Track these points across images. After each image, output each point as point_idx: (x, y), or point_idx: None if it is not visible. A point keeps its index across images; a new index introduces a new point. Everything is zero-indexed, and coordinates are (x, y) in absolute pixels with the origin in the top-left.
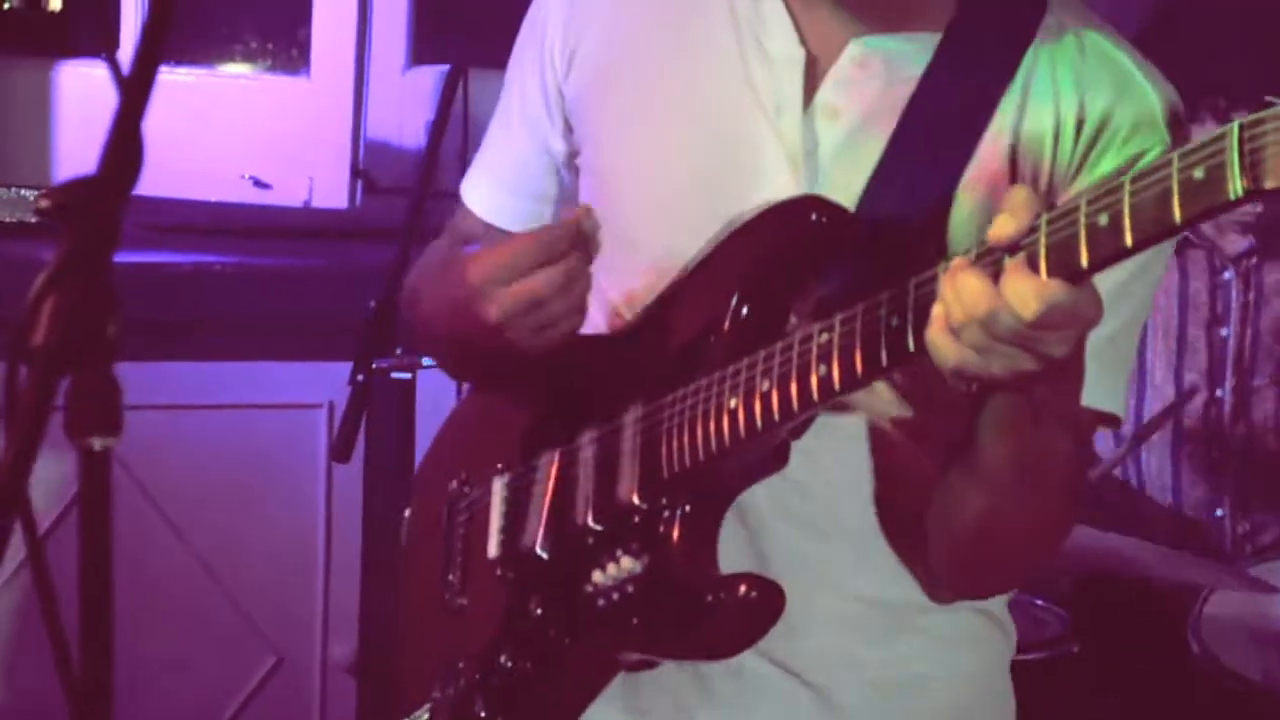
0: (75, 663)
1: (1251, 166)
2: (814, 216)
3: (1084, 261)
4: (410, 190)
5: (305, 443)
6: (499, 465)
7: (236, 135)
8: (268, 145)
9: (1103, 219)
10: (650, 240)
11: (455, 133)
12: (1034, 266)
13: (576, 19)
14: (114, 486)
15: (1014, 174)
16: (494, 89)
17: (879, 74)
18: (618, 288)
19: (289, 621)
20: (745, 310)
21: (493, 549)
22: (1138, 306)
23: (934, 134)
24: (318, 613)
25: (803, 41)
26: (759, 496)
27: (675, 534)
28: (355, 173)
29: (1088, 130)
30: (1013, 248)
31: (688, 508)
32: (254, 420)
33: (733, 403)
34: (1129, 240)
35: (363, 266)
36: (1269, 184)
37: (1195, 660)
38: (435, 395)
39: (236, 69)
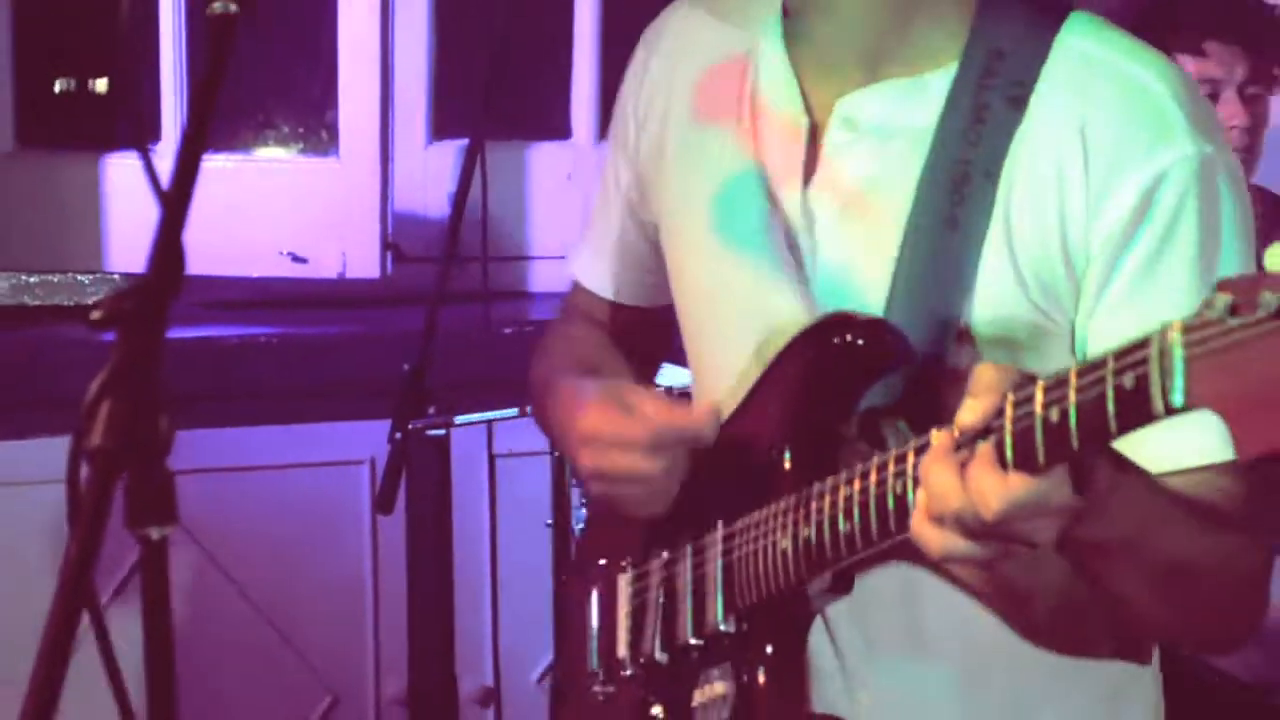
0: None
1: (1172, 377)
2: (837, 339)
3: (1040, 458)
4: (436, 259)
5: (350, 497)
6: (623, 560)
7: (273, 215)
8: (303, 223)
9: (1054, 414)
10: (692, 343)
11: (475, 202)
12: (1000, 455)
13: (645, 90)
14: (174, 543)
15: (1034, 216)
16: (509, 159)
17: (869, 133)
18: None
19: (343, 662)
20: (792, 451)
21: (621, 649)
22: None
23: (949, 199)
24: (369, 653)
25: (807, 108)
26: (839, 615)
27: (757, 658)
28: (385, 244)
29: (1095, 173)
30: (983, 433)
31: (768, 632)
32: (302, 478)
33: (783, 546)
34: (1075, 445)
35: (396, 331)
36: (1182, 400)
37: (1179, 657)
38: (470, 449)
39: (271, 153)
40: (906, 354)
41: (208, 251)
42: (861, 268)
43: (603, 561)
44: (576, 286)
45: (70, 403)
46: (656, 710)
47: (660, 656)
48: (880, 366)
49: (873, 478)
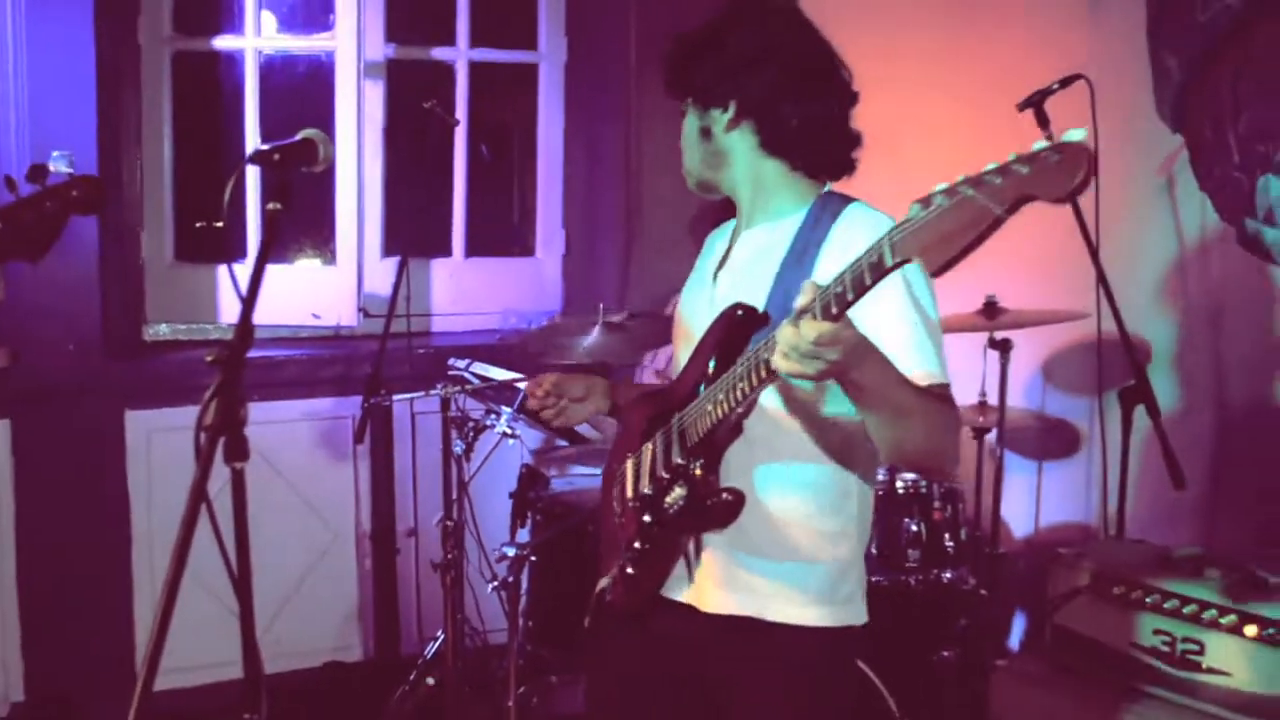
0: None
1: (895, 247)
2: (739, 313)
3: (834, 310)
4: (384, 316)
5: (343, 434)
6: (629, 452)
7: (303, 295)
8: (318, 299)
9: (838, 287)
10: (679, 346)
11: (405, 288)
12: (814, 315)
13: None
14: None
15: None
16: (420, 266)
17: (751, 246)
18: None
19: (340, 514)
20: (714, 363)
21: (629, 494)
22: (915, 319)
23: (792, 270)
24: (352, 512)
25: (731, 239)
26: (733, 450)
27: (695, 472)
28: (359, 309)
29: (851, 253)
30: (805, 310)
31: (701, 460)
32: (321, 425)
33: (709, 409)
34: (850, 297)
35: (364, 353)
36: (901, 256)
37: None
38: (402, 415)
39: (302, 262)
40: (765, 318)
41: (272, 312)
42: (744, 296)
43: (614, 463)
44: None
45: (200, 390)
46: (647, 517)
47: (646, 489)
48: (748, 325)
49: (752, 358)
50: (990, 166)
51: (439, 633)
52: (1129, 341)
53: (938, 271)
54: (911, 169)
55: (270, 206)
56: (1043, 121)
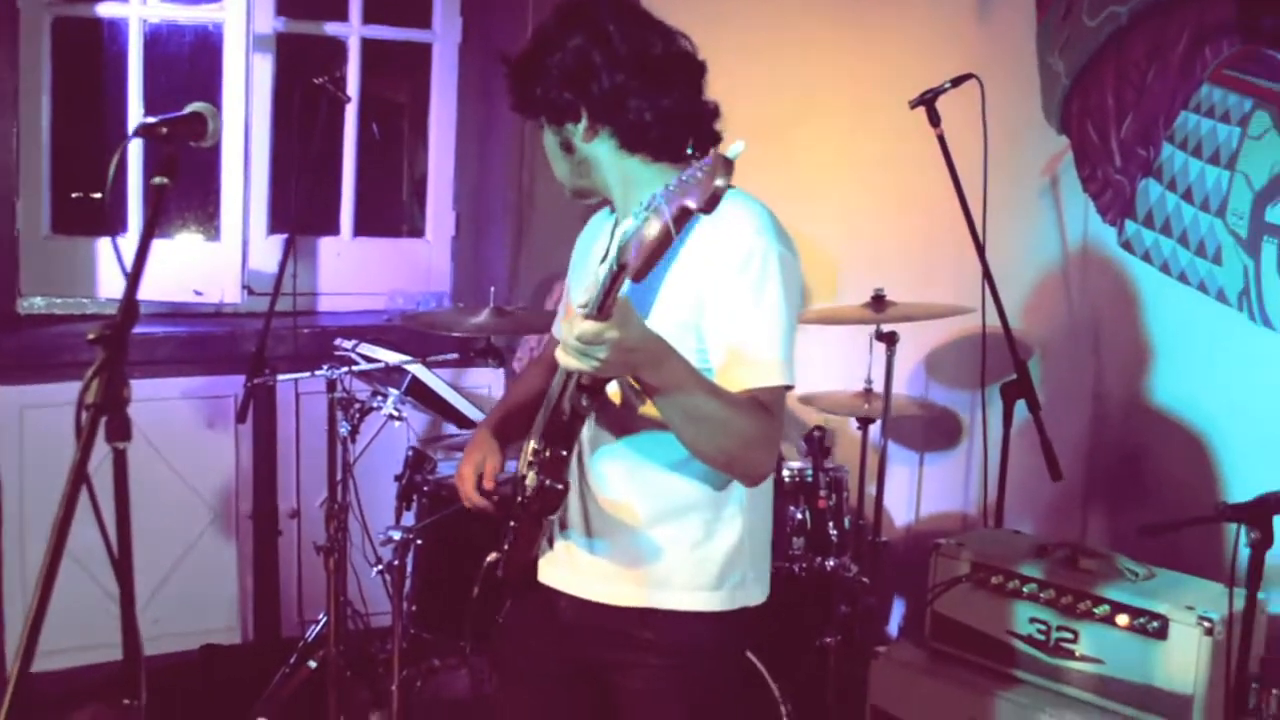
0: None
1: (614, 255)
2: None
3: (599, 305)
4: (268, 294)
5: (225, 413)
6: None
7: (186, 271)
8: (202, 274)
9: (602, 285)
10: None
11: (292, 266)
12: (588, 314)
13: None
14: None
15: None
16: (307, 243)
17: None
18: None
19: (220, 492)
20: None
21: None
22: (762, 315)
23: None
24: (233, 491)
25: (610, 234)
26: (601, 452)
27: (545, 456)
28: (244, 286)
29: (714, 254)
30: (583, 306)
31: (549, 449)
32: (204, 404)
33: (559, 397)
34: (594, 310)
35: (248, 330)
36: (618, 263)
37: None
38: (286, 395)
39: (185, 238)
40: None
41: (154, 288)
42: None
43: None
44: (549, 339)
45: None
46: (520, 498)
47: (524, 471)
48: None
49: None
50: (676, 177)
51: (321, 615)
52: (1012, 337)
53: (634, 277)
54: (801, 160)
55: (156, 181)
56: (934, 120)
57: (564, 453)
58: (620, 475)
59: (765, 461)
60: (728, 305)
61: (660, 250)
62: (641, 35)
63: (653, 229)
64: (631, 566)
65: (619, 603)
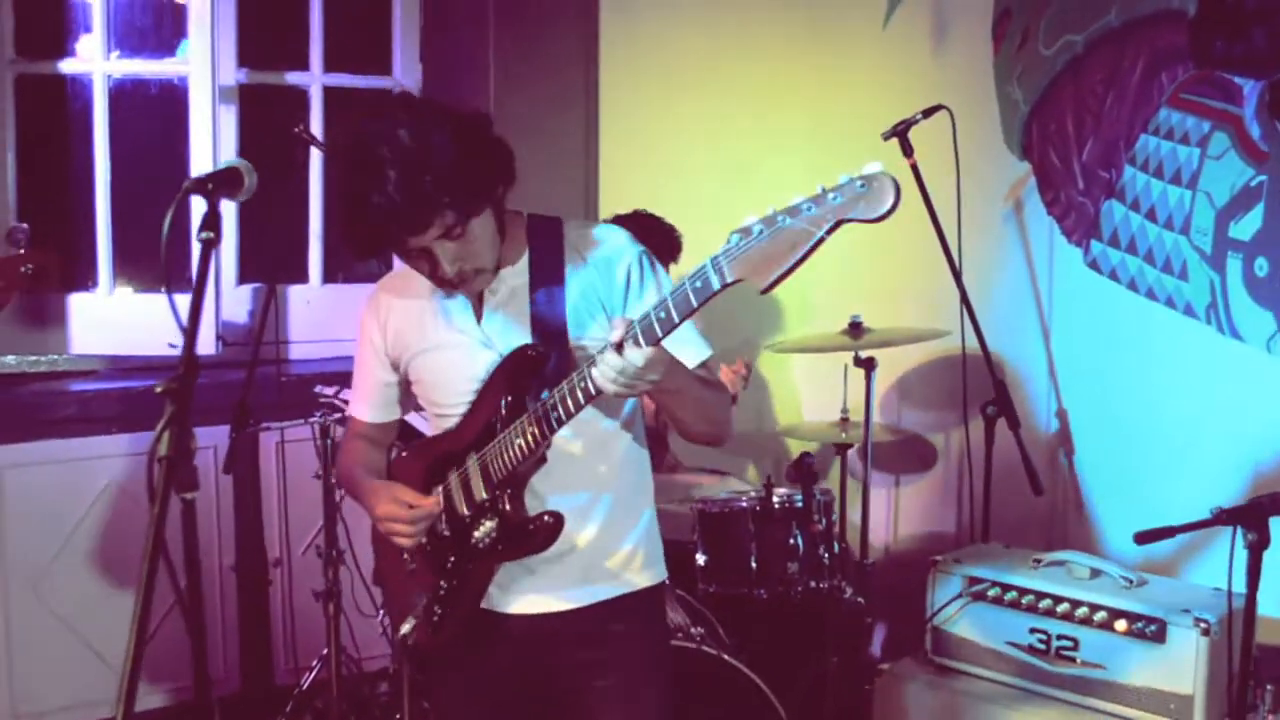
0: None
1: (723, 272)
2: (530, 352)
3: (658, 335)
4: (246, 344)
5: (206, 465)
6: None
7: (162, 324)
8: (174, 327)
9: (662, 314)
10: (448, 396)
11: (273, 315)
12: (636, 342)
13: (381, 316)
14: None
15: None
16: (279, 291)
17: (500, 288)
18: (439, 417)
19: (203, 544)
20: (508, 402)
21: (423, 540)
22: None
23: (546, 305)
24: (215, 540)
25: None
26: (534, 478)
27: (506, 505)
28: (218, 337)
29: (605, 271)
30: (623, 340)
31: (509, 491)
32: None
33: (518, 442)
34: (676, 319)
35: (225, 381)
36: (732, 278)
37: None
38: (266, 444)
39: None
40: (546, 355)
41: (128, 343)
42: (517, 336)
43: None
44: (352, 419)
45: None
46: (452, 558)
47: (444, 531)
48: (540, 361)
49: (564, 388)
50: (801, 198)
51: (314, 662)
52: (990, 358)
53: (766, 289)
54: (769, 197)
55: (202, 236)
56: (907, 150)
57: (521, 493)
58: (566, 488)
59: (729, 421)
60: (641, 302)
61: (797, 262)
62: (464, 121)
63: (783, 240)
64: (600, 566)
65: (597, 600)
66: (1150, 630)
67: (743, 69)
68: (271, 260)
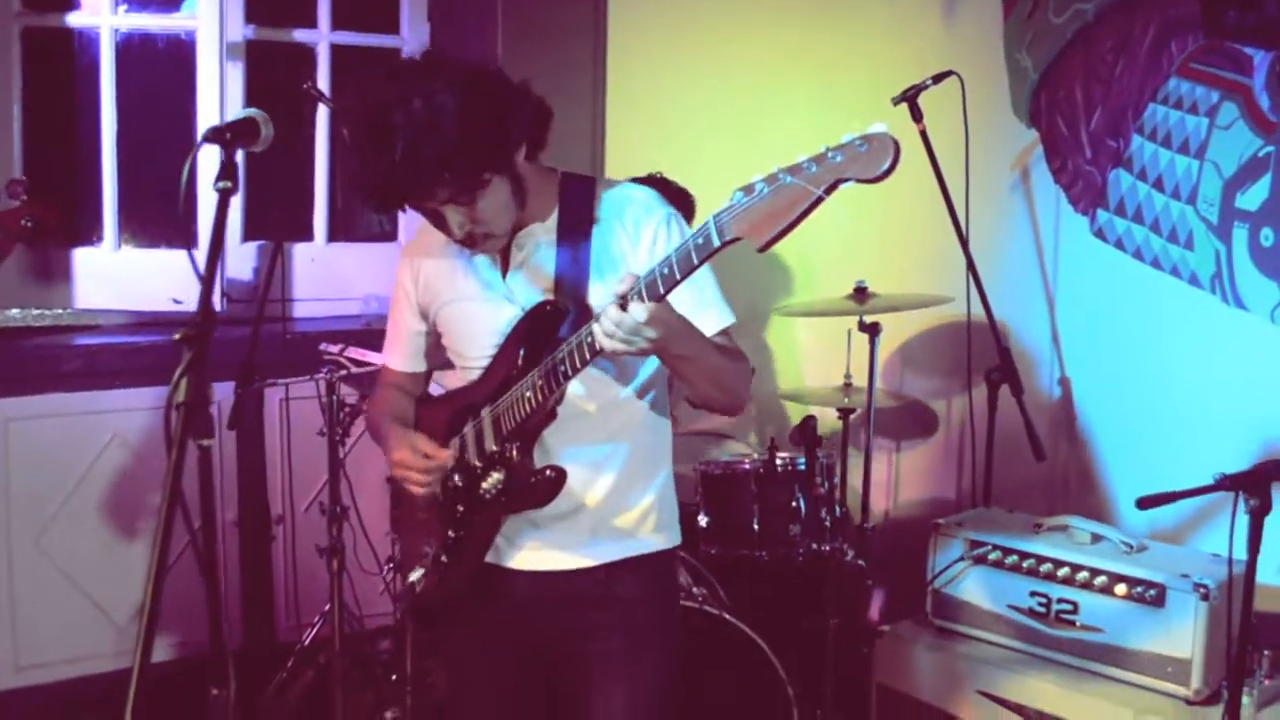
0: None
1: (724, 229)
2: (547, 308)
3: (661, 291)
4: (250, 301)
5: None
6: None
7: (166, 280)
8: (180, 284)
9: (667, 269)
10: (472, 349)
11: (279, 272)
12: (640, 299)
13: (415, 264)
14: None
15: (609, 261)
16: (300, 253)
17: (528, 244)
18: (465, 369)
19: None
20: (523, 356)
21: (435, 487)
22: (701, 275)
23: (571, 263)
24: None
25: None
26: (547, 434)
27: (514, 457)
28: (223, 293)
29: (632, 231)
30: (627, 294)
31: (518, 444)
32: None
33: (528, 395)
34: (678, 277)
35: (231, 338)
36: (731, 236)
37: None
38: (271, 400)
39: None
40: (566, 310)
41: (133, 298)
42: (539, 292)
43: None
44: (385, 368)
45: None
46: (460, 507)
47: (457, 480)
48: (558, 316)
49: (573, 342)
50: (804, 156)
51: (316, 618)
52: (995, 324)
53: (763, 247)
54: (770, 154)
55: (219, 186)
56: (916, 115)
57: (530, 447)
58: (577, 445)
59: (747, 391)
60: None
61: (796, 219)
62: (483, 85)
63: (784, 198)
64: (612, 525)
65: (592, 563)
66: (1150, 595)
67: (753, 31)
68: (277, 218)
